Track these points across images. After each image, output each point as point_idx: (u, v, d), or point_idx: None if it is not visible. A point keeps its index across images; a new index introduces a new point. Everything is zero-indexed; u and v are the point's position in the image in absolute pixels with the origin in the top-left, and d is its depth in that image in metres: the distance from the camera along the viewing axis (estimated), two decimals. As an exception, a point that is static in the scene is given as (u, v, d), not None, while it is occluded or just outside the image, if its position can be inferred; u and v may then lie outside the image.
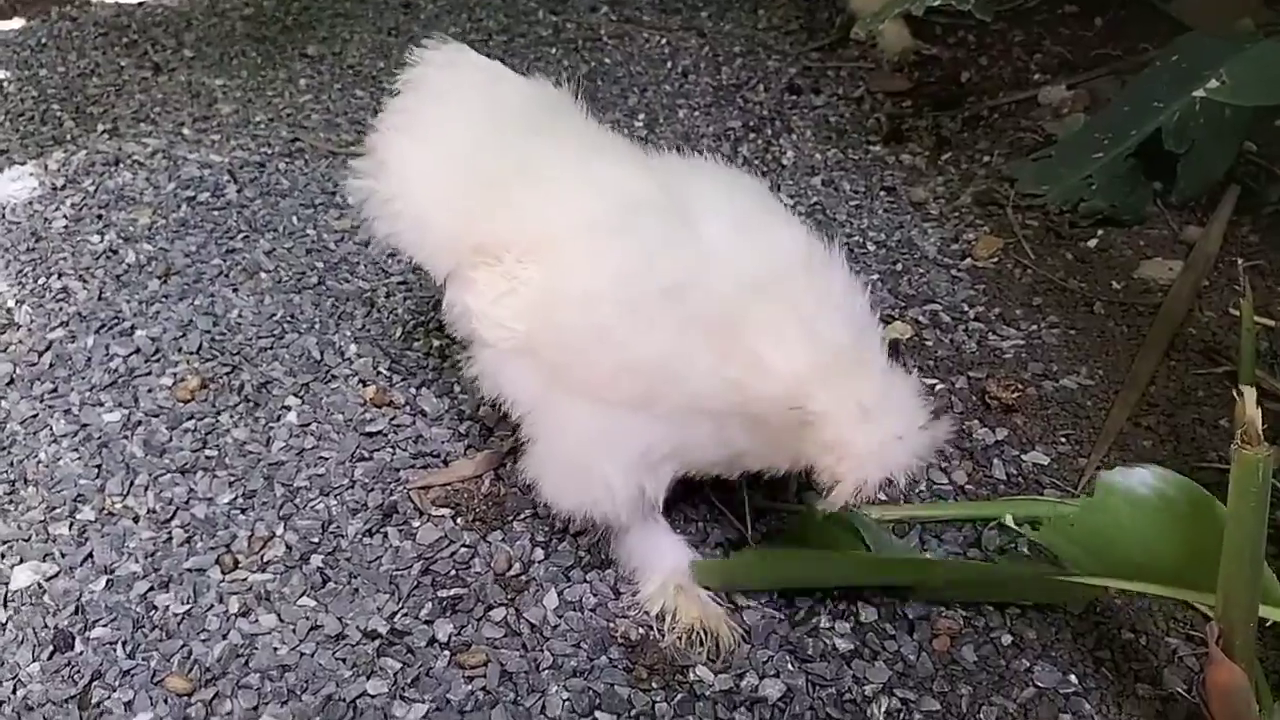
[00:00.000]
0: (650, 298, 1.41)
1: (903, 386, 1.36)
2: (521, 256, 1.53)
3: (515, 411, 1.60)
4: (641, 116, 3.16)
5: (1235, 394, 1.18)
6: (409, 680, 1.52)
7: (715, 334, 1.38)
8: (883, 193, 2.78)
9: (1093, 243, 2.53)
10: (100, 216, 2.60)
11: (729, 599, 1.65)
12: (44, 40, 3.66)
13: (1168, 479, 1.41)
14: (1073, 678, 1.53)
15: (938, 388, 2.08)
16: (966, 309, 2.30)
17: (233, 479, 1.85)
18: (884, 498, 1.69)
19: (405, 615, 1.62)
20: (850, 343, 1.37)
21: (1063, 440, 1.94)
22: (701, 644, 1.56)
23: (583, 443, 1.51)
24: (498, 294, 1.54)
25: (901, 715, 1.49)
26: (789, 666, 1.55)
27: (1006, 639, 1.59)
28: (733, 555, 1.72)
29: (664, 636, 1.58)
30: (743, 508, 1.79)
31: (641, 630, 1.60)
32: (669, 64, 3.51)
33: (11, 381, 2.06)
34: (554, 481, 1.59)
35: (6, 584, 1.66)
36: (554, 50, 3.60)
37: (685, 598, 1.60)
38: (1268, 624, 1.44)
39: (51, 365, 2.10)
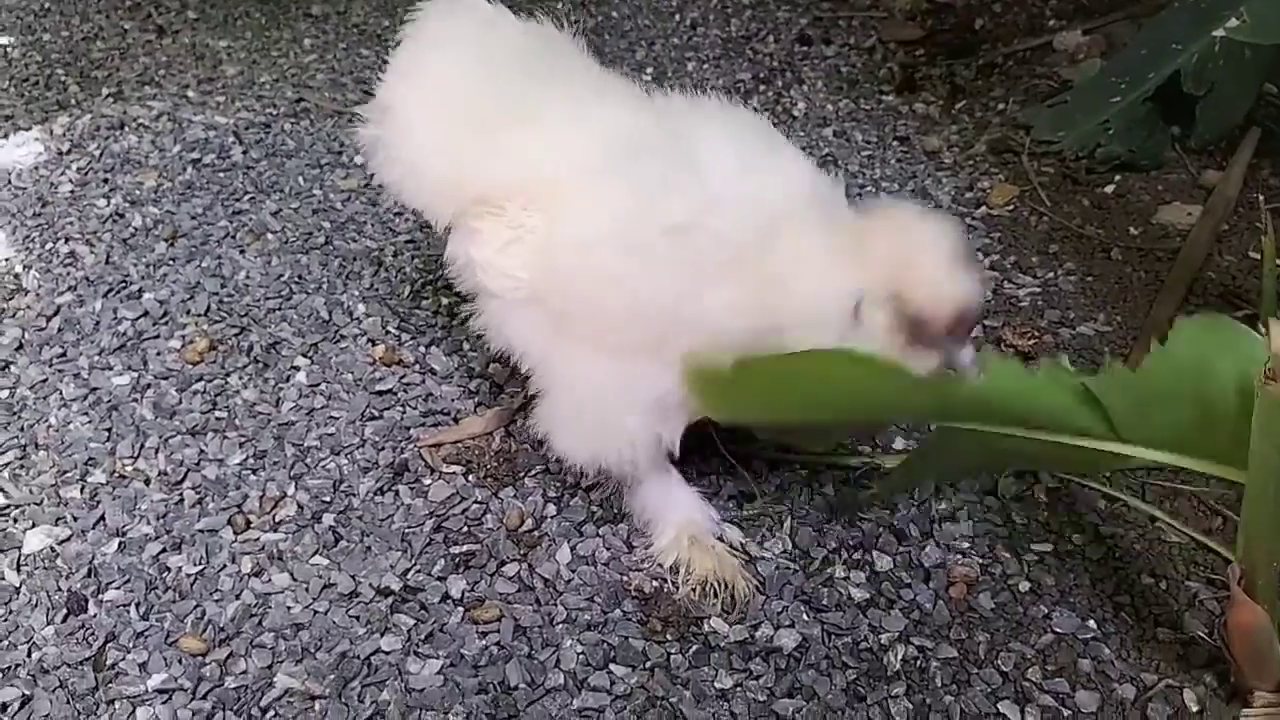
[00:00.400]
0: (654, 239, 1.39)
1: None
2: (525, 204, 1.51)
3: (524, 363, 1.58)
4: (650, 70, 3.12)
5: (1261, 329, 1.14)
6: (422, 636, 1.51)
7: (734, 267, 1.39)
8: (896, 143, 2.74)
9: (1110, 188, 2.48)
10: (106, 180, 2.58)
11: (743, 550, 1.63)
12: (47, 4, 3.63)
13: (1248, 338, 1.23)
14: (1091, 623, 1.51)
15: (953, 337, 2.05)
16: (982, 257, 2.27)
17: (243, 440, 1.84)
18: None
19: (418, 572, 1.61)
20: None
21: (1080, 387, 1.92)
22: (716, 595, 1.56)
23: (597, 392, 1.50)
24: (503, 243, 1.52)
25: (918, 663, 1.47)
26: (804, 617, 1.53)
27: (1024, 586, 1.57)
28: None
29: (678, 589, 1.57)
30: (753, 462, 1.77)
31: (655, 583, 1.59)
32: (677, 16, 3.46)
33: (20, 346, 2.05)
34: (568, 433, 1.57)
35: (19, 548, 1.66)
36: (560, 5, 3.55)
37: (699, 549, 1.59)
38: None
39: (60, 330, 2.09)
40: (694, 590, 1.56)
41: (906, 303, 1.39)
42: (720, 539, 1.63)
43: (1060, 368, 1.28)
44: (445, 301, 2.13)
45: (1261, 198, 1.90)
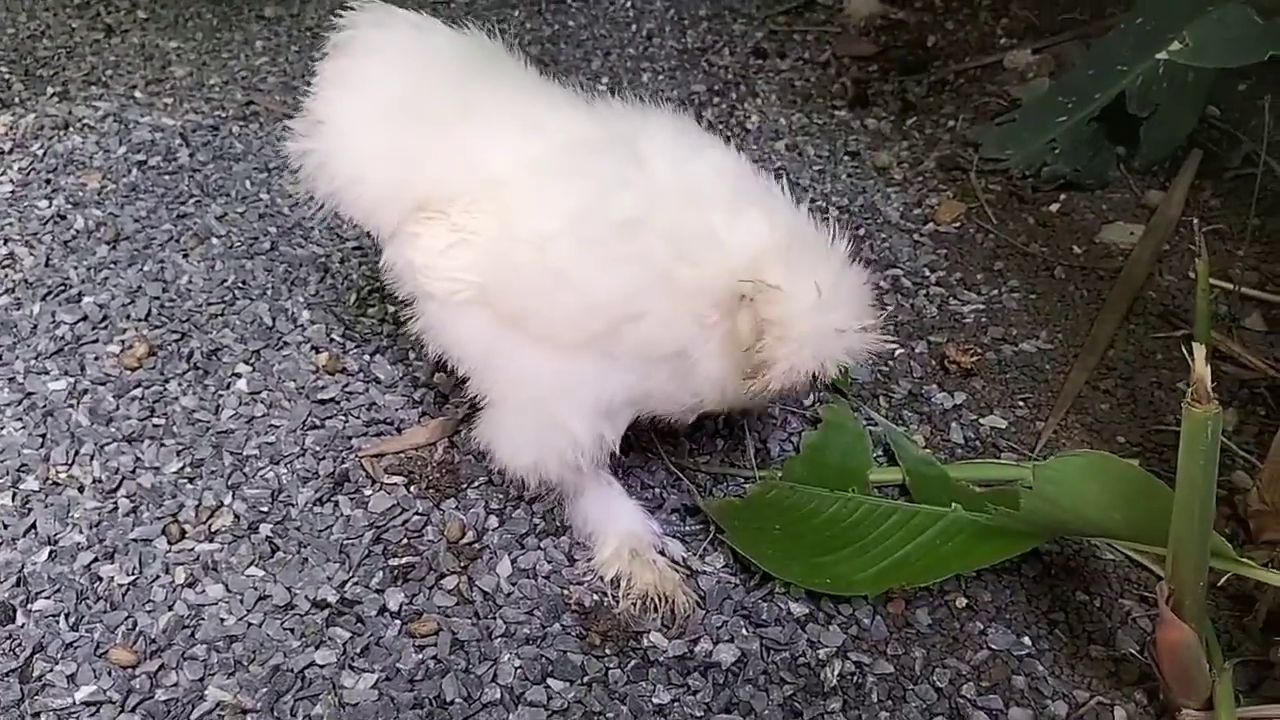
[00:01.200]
0: (607, 233, 1.41)
1: (856, 282, 1.42)
2: (469, 207, 1.51)
3: (463, 367, 1.58)
4: (605, 80, 3.12)
5: (1174, 362, 1.17)
6: (358, 650, 1.50)
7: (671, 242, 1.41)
8: (847, 157, 2.76)
9: (1055, 207, 2.52)
10: (49, 181, 2.54)
11: (685, 564, 1.63)
12: (-8, 1, 3.57)
13: (1108, 463, 1.41)
14: (1026, 639, 1.53)
15: (898, 352, 2.07)
16: (928, 273, 2.29)
17: (180, 447, 1.81)
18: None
19: (356, 584, 1.59)
20: (811, 230, 1.45)
21: (1021, 404, 1.94)
22: (656, 610, 1.55)
23: (542, 392, 1.50)
24: (445, 245, 1.51)
25: (855, 679, 1.48)
26: (743, 631, 1.54)
27: (961, 602, 1.58)
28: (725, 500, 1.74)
29: (618, 603, 1.57)
30: (697, 475, 1.78)
31: (595, 597, 1.58)
32: (633, 27, 3.46)
33: (-46, 350, 2.01)
34: (510, 439, 1.57)
35: (-54, 556, 1.62)
36: (517, 13, 3.55)
37: (640, 563, 1.59)
38: (1219, 584, 1.45)
39: (-5, 333, 2.05)
40: (634, 604, 1.56)
41: (767, 364, 1.37)
42: (662, 553, 1.63)
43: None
44: (391, 309, 2.11)
45: (1197, 221, 1.93)
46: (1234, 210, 2.44)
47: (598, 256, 1.42)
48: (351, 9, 1.69)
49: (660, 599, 1.56)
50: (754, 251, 1.40)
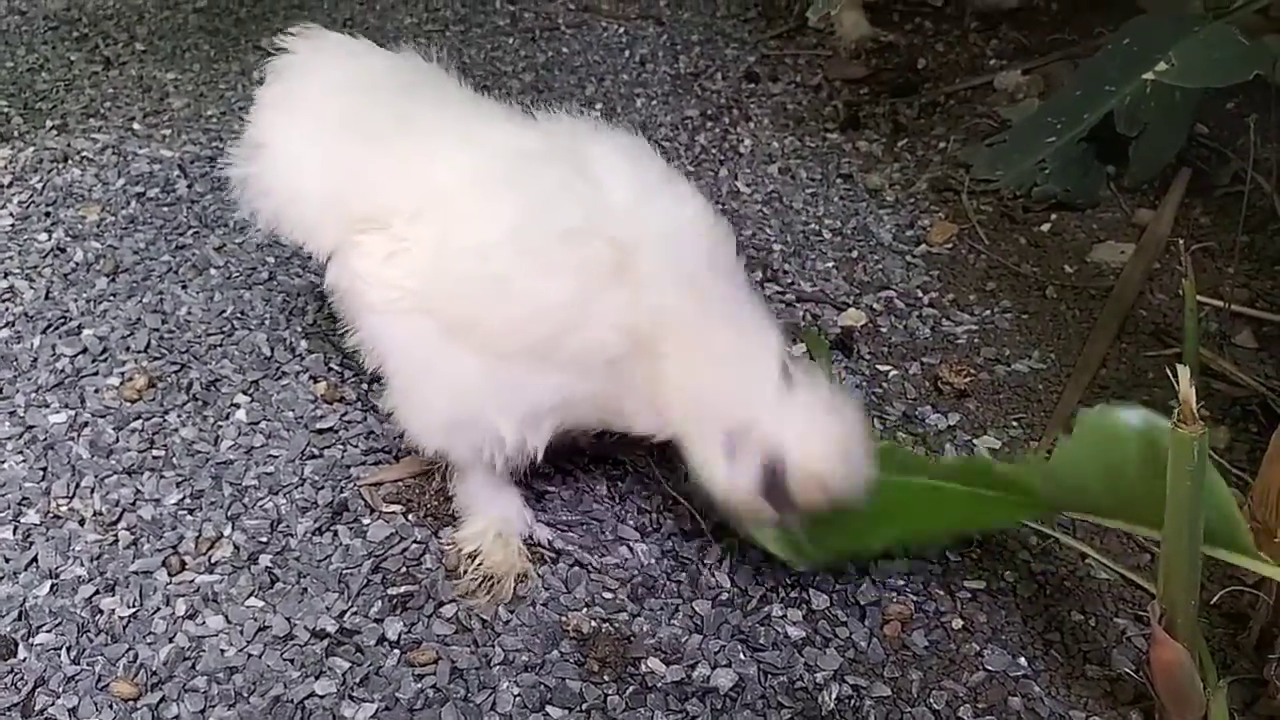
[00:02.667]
0: (550, 243, 1.43)
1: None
2: (411, 218, 1.53)
3: (396, 375, 1.60)
4: (599, 106, 3.14)
5: (1170, 373, 1.18)
6: (358, 680, 1.51)
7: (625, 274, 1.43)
8: (839, 180, 2.78)
9: (1046, 227, 2.54)
10: (48, 214, 2.56)
11: (550, 546, 1.69)
12: (-9, 36, 3.60)
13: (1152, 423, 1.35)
14: (1022, 660, 1.54)
15: (891, 374, 2.08)
16: (921, 295, 2.31)
17: (180, 479, 1.82)
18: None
19: (355, 614, 1.60)
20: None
21: (1014, 424, 1.95)
22: (489, 591, 1.60)
23: (473, 398, 1.52)
24: (386, 254, 1.53)
25: (852, 702, 1.49)
26: (740, 656, 1.55)
27: (957, 623, 1.59)
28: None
29: (460, 577, 1.62)
30: (694, 499, 1.79)
31: (593, 623, 1.59)
32: (627, 53, 3.49)
33: (-45, 384, 2.03)
34: (424, 419, 1.60)
35: (-52, 590, 1.63)
36: (511, 40, 3.58)
37: (498, 544, 1.64)
38: (1212, 601, 1.46)
39: (-4, 367, 2.07)
40: (473, 581, 1.61)
41: (781, 474, 1.38)
42: (529, 539, 1.69)
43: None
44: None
45: (1182, 241, 1.95)
46: (1224, 228, 2.46)
47: (540, 265, 1.44)
48: (290, 34, 1.72)
49: (497, 580, 1.61)
50: None
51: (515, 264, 1.45)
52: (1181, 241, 1.98)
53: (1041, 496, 1.46)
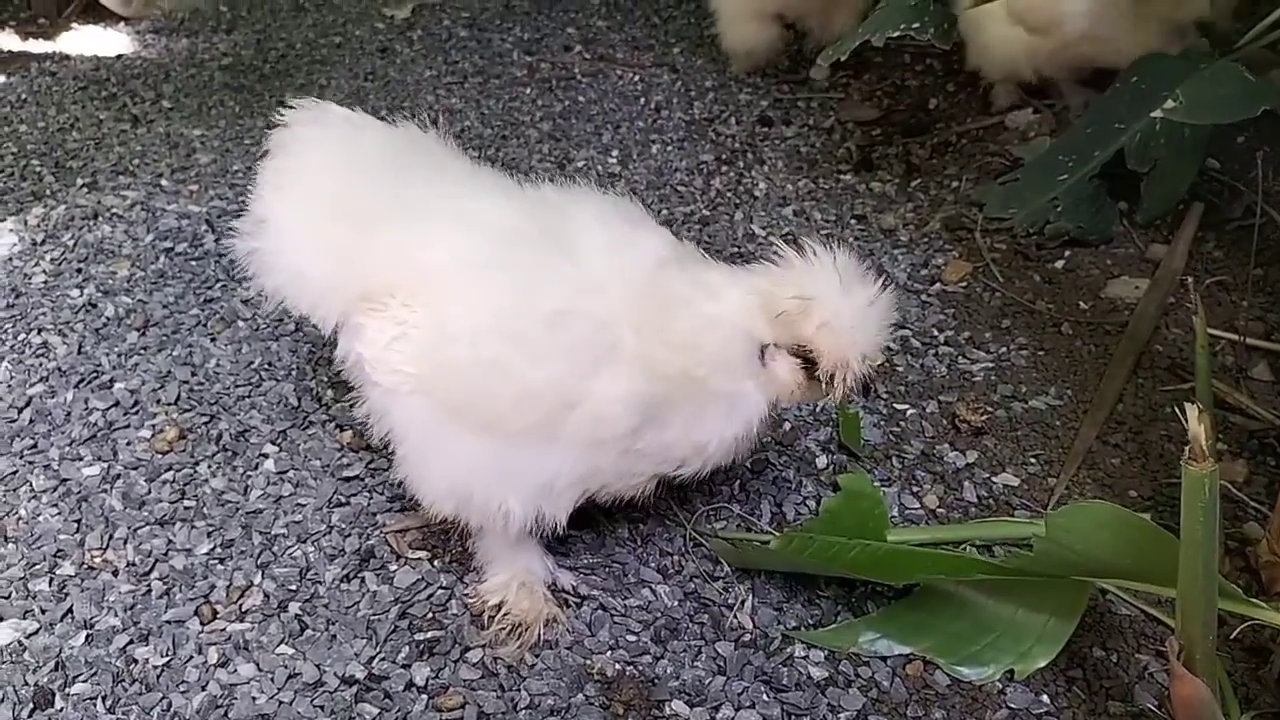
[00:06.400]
0: (536, 325, 1.46)
1: (852, 264, 1.48)
2: (407, 299, 1.56)
3: (403, 448, 1.63)
4: (615, 153, 3.20)
5: (1178, 412, 1.20)
6: (387, 724, 1.53)
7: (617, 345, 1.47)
8: (854, 221, 2.81)
9: (1060, 264, 2.56)
10: (79, 270, 2.62)
11: (575, 592, 1.72)
12: (24, 96, 3.70)
13: (1116, 514, 1.44)
14: (1045, 698, 1.55)
15: (909, 412, 2.10)
16: (936, 333, 2.33)
17: (211, 529, 1.86)
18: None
19: (383, 660, 1.63)
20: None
21: (1032, 461, 1.97)
22: (518, 639, 1.63)
23: (478, 476, 1.55)
24: (389, 339, 1.56)
25: (876, 742, 1.50)
26: (764, 697, 1.56)
27: (978, 662, 1.60)
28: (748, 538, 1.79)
29: (488, 626, 1.65)
30: (715, 541, 1.81)
31: (617, 666, 1.61)
32: (642, 100, 3.56)
33: (-9, 439, 2.08)
34: (437, 496, 1.62)
35: (-13, 642, 1.67)
36: (529, 90, 3.65)
37: (523, 592, 1.66)
38: (1233, 636, 1.46)
39: (31, 421, 2.12)
40: (501, 629, 1.64)
41: (812, 359, 1.45)
42: (553, 585, 1.71)
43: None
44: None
45: (1191, 279, 1.97)
46: (1237, 261, 2.48)
47: (529, 348, 1.47)
48: (290, 107, 1.76)
49: (525, 627, 1.64)
50: (747, 300, 1.47)
51: (505, 349, 1.47)
52: (1191, 280, 1.99)
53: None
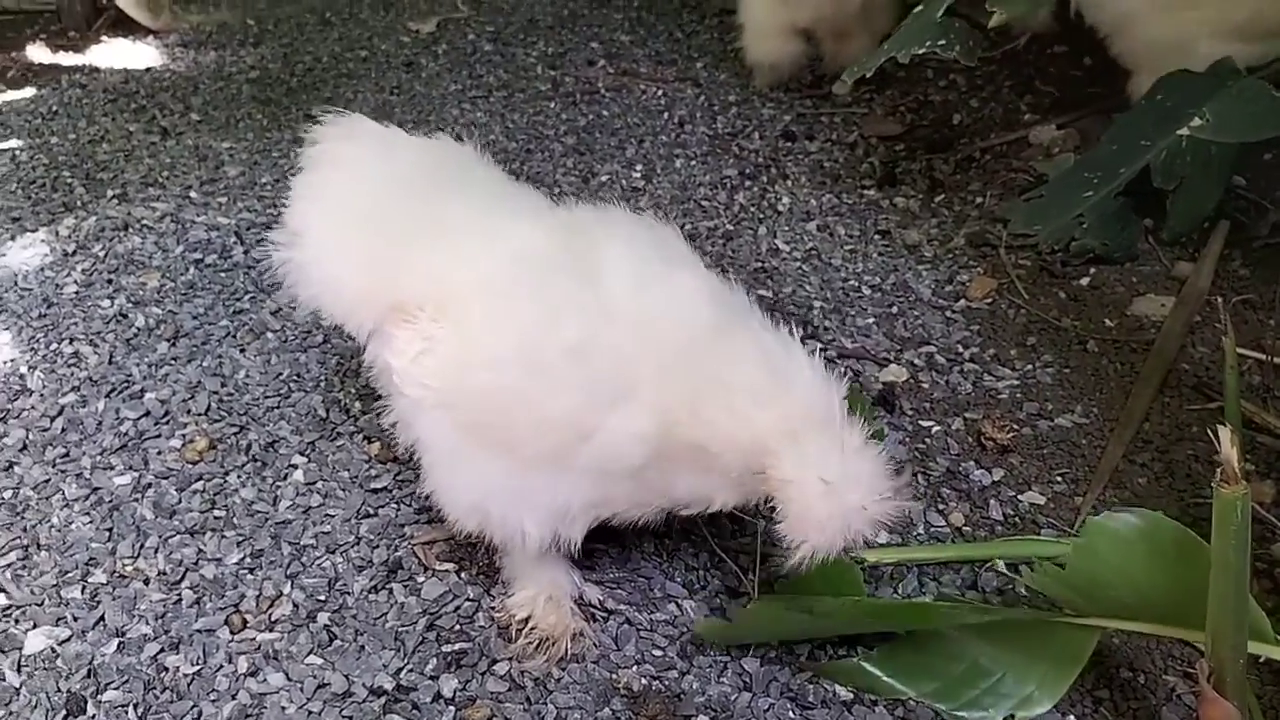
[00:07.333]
0: (555, 358, 1.45)
1: (865, 453, 1.37)
2: (434, 314, 1.57)
3: (427, 459, 1.65)
4: (639, 167, 3.22)
5: (1210, 433, 1.20)
6: (415, 736, 1.54)
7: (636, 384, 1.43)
8: (877, 236, 2.82)
9: (1085, 281, 2.56)
10: (110, 281, 2.66)
11: (602, 606, 1.73)
12: (55, 108, 3.75)
13: (1151, 520, 1.43)
14: (1071, 718, 1.54)
15: (934, 429, 2.10)
16: (961, 350, 2.34)
17: (241, 539, 1.88)
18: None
19: (411, 671, 1.64)
20: (810, 403, 1.40)
21: (1058, 479, 1.97)
22: (545, 651, 1.64)
23: (497, 495, 1.56)
24: (415, 352, 1.57)
25: (902, 760, 1.50)
26: (790, 714, 1.56)
27: (1005, 680, 1.60)
28: (731, 610, 1.73)
29: (515, 640, 1.66)
30: (740, 556, 1.81)
31: (644, 681, 1.62)
32: (665, 114, 3.58)
33: (24, 447, 2.10)
34: (460, 510, 1.63)
35: (20, 649, 1.69)
36: (553, 104, 3.67)
37: (550, 606, 1.67)
38: (1260, 659, 1.46)
39: (63, 430, 2.14)
40: (529, 643, 1.65)
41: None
42: (580, 599, 1.72)
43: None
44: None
45: (1222, 299, 1.96)
46: (1263, 280, 2.47)
47: (548, 379, 1.46)
48: (322, 122, 1.79)
49: (552, 641, 1.65)
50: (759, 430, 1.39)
51: (524, 378, 1.47)
52: (1221, 300, 1.98)
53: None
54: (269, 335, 2.43)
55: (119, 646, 1.69)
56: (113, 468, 2.05)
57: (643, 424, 1.43)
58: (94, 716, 1.58)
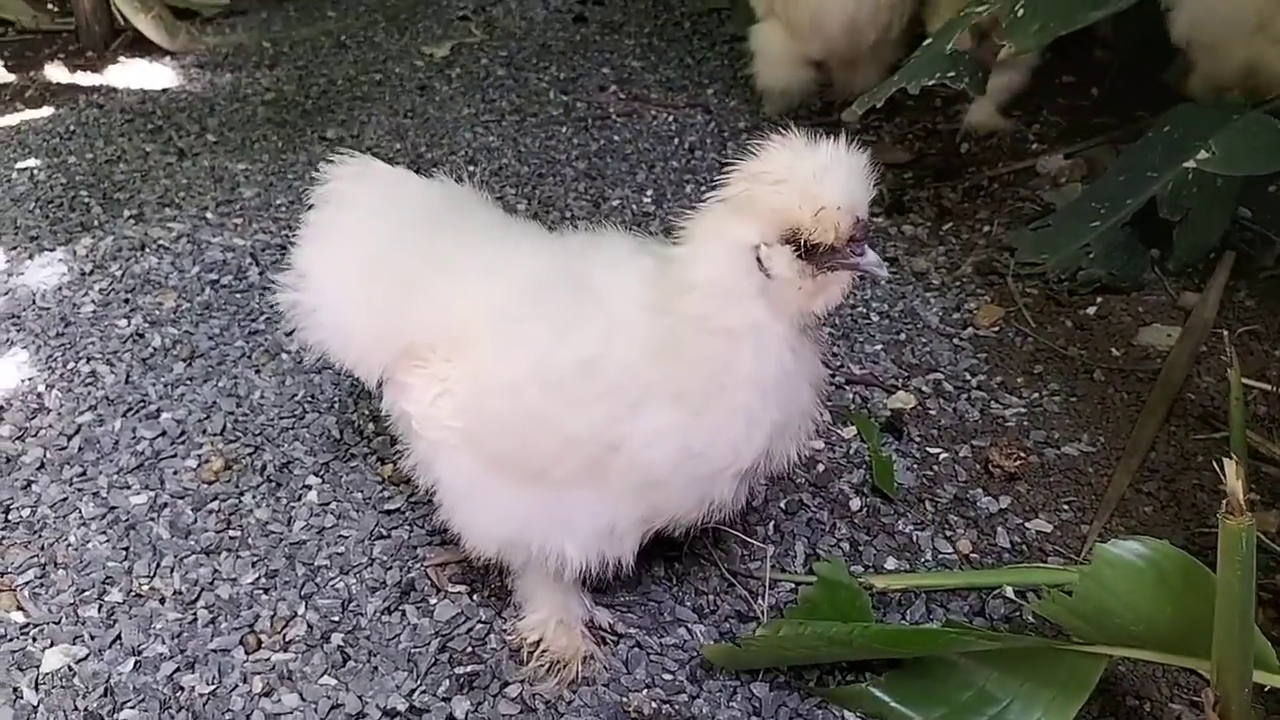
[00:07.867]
0: (570, 373, 1.47)
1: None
2: (448, 355, 1.58)
3: (449, 497, 1.65)
4: (650, 192, 3.25)
5: (1216, 464, 1.22)
6: (428, 757, 1.56)
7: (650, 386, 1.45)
8: (885, 263, 2.84)
9: (1092, 310, 2.58)
10: (127, 301, 2.69)
11: (611, 629, 1.75)
12: (72, 128, 3.79)
13: (1159, 549, 1.44)
14: (1078, 746, 1.55)
15: (942, 456, 2.12)
16: (969, 378, 2.36)
17: (255, 559, 1.90)
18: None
19: (423, 693, 1.66)
20: None
21: (1065, 507, 1.98)
22: (556, 674, 1.66)
23: (525, 523, 1.57)
24: (432, 396, 1.58)
25: (910, 786, 1.51)
26: (799, 738, 1.58)
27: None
28: (741, 635, 1.75)
29: (526, 662, 1.68)
30: (750, 581, 1.83)
31: (654, 704, 1.63)
32: (676, 140, 3.61)
33: (42, 466, 2.13)
34: (481, 541, 1.63)
35: (38, 667, 1.71)
36: (565, 129, 3.71)
37: (561, 629, 1.69)
38: (1266, 689, 1.47)
39: (80, 449, 2.17)
40: (541, 666, 1.67)
41: (800, 235, 1.39)
42: (590, 622, 1.74)
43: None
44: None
45: (1227, 331, 1.98)
46: (1269, 310, 2.49)
47: (565, 396, 1.48)
48: (331, 162, 1.81)
49: (563, 663, 1.67)
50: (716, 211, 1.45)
51: (543, 399, 1.49)
52: (1226, 333, 2.01)
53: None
54: (284, 356, 2.46)
55: (135, 665, 1.71)
56: (129, 487, 2.07)
57: (668, 416, 1.44)
58: (110, 734, 1.60)
